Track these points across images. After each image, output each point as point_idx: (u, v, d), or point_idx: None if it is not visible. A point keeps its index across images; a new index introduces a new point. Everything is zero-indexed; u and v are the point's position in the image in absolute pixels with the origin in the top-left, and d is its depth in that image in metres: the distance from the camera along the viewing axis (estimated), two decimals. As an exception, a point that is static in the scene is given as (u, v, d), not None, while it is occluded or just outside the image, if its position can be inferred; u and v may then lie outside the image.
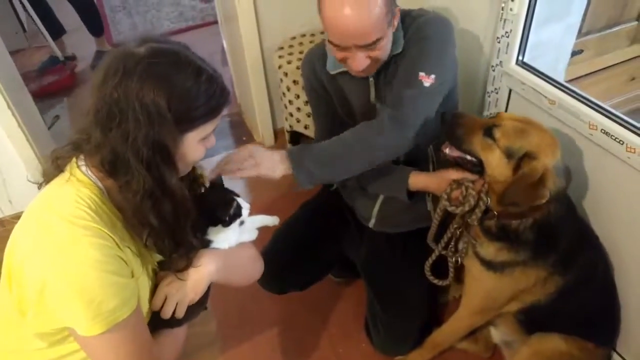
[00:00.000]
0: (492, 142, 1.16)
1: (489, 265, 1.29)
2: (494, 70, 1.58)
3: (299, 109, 2.18)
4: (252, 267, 1.22)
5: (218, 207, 1.06)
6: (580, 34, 1.93)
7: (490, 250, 1.28)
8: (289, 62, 2.11)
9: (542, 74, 1.46)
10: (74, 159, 0.91)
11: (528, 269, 1.26)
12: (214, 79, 0.90)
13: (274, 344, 1.73)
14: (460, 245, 1.36)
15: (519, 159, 1.14)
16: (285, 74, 2.11)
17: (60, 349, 0.93)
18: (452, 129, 1.21)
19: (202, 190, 1.11)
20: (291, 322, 1.78)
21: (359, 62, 1.17)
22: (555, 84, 1.41)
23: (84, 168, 0.89)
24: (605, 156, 1.29)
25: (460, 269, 1.42)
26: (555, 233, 1.22)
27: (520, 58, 1.52)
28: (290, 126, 2.30)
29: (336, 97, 1.39)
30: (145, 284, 0.97)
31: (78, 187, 0.87)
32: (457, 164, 1.25)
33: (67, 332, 0.89)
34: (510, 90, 1.56)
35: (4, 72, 1.99)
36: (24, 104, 2.15)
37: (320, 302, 1.81)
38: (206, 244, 1.07)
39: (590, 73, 2.15)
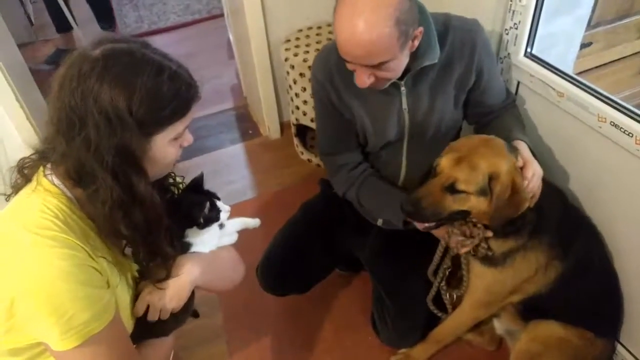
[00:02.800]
0: (462, 194, 1.16)
1: (489, 261, 1.29)
2: (502, 63, 1.57)
3: (305, 102, 2.17)
4: (234, 271, 1.20)
5: (193, 208, 1.04)
6: (589, 26, 1.90)
7: (492, 247, 1.28)
8: (295, 55, 2.10)
9: (551, 66, 1.44)
10: (40, 168, 0.88)
11: (528, 253, 1.27)
12: (177, 75, 0.85)
13: (280, 337, 1.74)
14: (464, 279, 1.37)
15: (488, 187, 1.15)
16: (292, 67, 2.10)
17: None
18: (420, 214, 1.20)
19: (180, 192, 1.10)
20: (297, 315, 1.79)
21: (361, 79, 1.14)
22: (564, 76, 1.40)
23: (51, 177, 0.86)
24: (614, 149, 1.28)
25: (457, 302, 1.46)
26: (543, 211, 1.23)
27: (528, 50, 1.51)
28: (297, 119, 2.30)
29: (363, 109, 1.33)
30: (124, 293, 0.94)
31: (45, 197, 0.83)
32: (446, 223, 1.25)
33: (43, 347, 0.85)
34: (518, 83, 1.55)
35: (12, 65, 2.00)
36: (32, 97, 2.16)
37: (326, 295, 1.82)
38: (186, 247, 1.06)
39: (599, 66, 2.13)
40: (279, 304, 1.80)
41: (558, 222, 1.28)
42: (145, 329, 1.00)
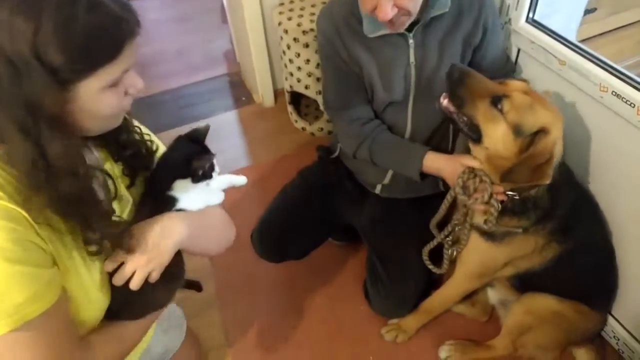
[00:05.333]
0: (498, 113, 1.09)
1: (488, 235, 1.27)
2: (502, 29, 1.51)
3: (299, 68, 2.11)
4: (225, 233, 1.10)
5: (194, 158, 0.91)
6: (594, -10, 1.84)
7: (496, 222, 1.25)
8: (289, 19, 2.03)
9: (553, 32, 1.39)
10: None
11: (529, 236, 1.25)
12: (98, 5, 0.67)
13: (274, 305, 1.74)
14: (462, 238, 1.32)
15: (532, 135, 1.08)
16: (285, 31, 2.03)
17: None
18: (456, 86, 1.14)
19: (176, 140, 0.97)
20: (291, 284, 1.79)
21: (385, 10, 1.12)
22: (566, 44, 1.35)
23: None
24: (615, 119, 1.24)
25: (454, 260, 1.42)
26: (556, 200, 1.19)
27: (530, 16, 1.45)
28: (291, 86, 2.24)
29: (372, 61, 1.31)
30: (84, 265, 0.81)
31: None
32: (451, 119, 1.18)
33: None
34: (519, 50, 1.50)
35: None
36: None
37: (320, 265, 1.81)
38: (172, 202, 0.93)
39: (604, 33, 2.07)
40: (273, 273, 1.80)
41: (567, 210, 1.23)
42: (139, 304, 0.91)
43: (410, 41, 1.27)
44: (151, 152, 0.98)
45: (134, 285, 0.85)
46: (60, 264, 0.76)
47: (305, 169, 1.67)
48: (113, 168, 0.91)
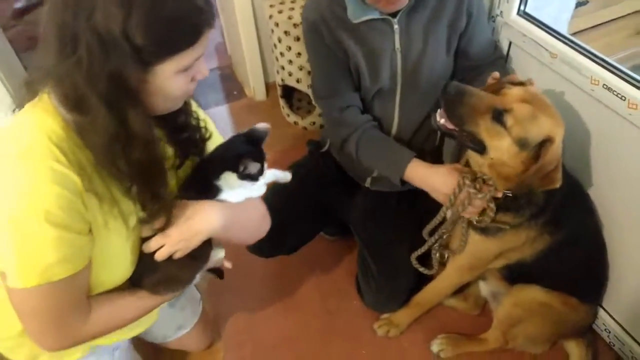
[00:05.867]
0: (502, 129, 1.06)
1: (480, 229, 1.26)
2: (494, 22, 1.50)
3: (290, 62, 2.09)
4: (258, 228, 1.16)
5: (246, 156, 0.96)
6: (586, -17, 1.84)
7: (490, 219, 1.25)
8: (280, 12, 2.01)
9: (545, 25, 1.38)
10: (47, 85, 0.81)
11: (521, 230, 1.25)
12: None
13: (266, 300, 1.73)
14: (459, 241, 1.32)
15: (537, 146, 1.06)
16: (277, 25, 2.01)
17: None
18: (453, 105, 1.09)
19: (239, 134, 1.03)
20: (283, 278, 1.78)
21: None
22: (557, 36, 1.34)
23: (52, 95, 0.79)
24: (606, 112, 1.24)
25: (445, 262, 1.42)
26: (549, 195, 1.19)
27: (522, 8, 1.44)
28: (282, 80, 2.23)
29: (357, 48, 1.30)
30: (118, 234, 0.88)
31: (41, 116, 0.78)
32: (449, 135, 1.15)
33: None
34: (510, 43, 1.49)
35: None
36: (3, 52, 2.07)
37: (312, 259, 1.81)
38: (216, 191, 0.98)
39: (595, 26, 2.06)
40: (265, 267, 1.79)
41: (559, 204, 1.22)
42: (154, 272, 0.95)
43: (395, 27, 1.26)
44: (204, 139, 1.04)
45: (159, 256, 0.92)
46: (94, 231, 0.83)
47: (295, 163, 1.66)
48: (165, 148, 0.96)
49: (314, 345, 1.60)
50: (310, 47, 1.38)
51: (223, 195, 0.99)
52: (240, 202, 1.02)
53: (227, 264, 1.21)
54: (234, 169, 0.97)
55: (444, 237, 1.33)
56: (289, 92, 2.37)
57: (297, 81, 2.15)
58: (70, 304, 0.86)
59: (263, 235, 1.18)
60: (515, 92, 1.09)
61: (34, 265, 0.77)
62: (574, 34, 1.69)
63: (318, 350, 1.59)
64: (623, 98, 1.17)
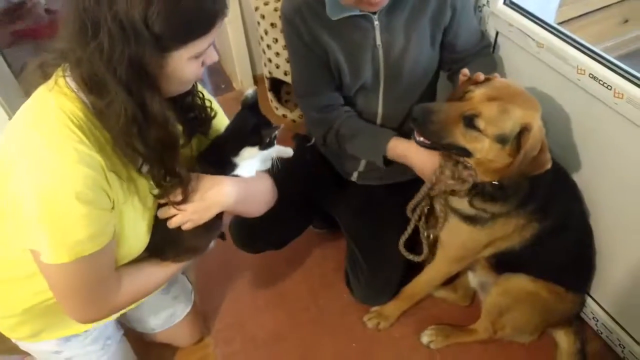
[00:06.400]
0: (477, 133, 1.08)
1: (470, 219, 1.26)
2: (480, 12, 1.49)
3: (277, 54, 2.07)
4: (265, 201, 1.22)
5: (263, 127, 1.02)
6: (574, -29, 1.82)
7: (476, 205, 1.24)
8: (265, 4, 1.98)
9: (531, 14, 1.37)
10: (60, 67, 0.85)
11: (510, 218, 1.25)
12: None
13: (255, 295, 1.73)
14: (439, 216, 1.32)
15: (517, 137, 1.07)
16: (263, 17, 1.98)
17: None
18: (425, 126, 1.12)
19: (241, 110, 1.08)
20: (272, 273, 1.78)
21: None
22: (544, 26, 1.33)
23: (68, 79, 0.83)
24: (592, 102, 1.24)
25: (434, 244, 1.41)
26: (535, 182, 1.19)
27: (509, -3, 1.43)
28: (270, 72, 2.20)
29: (337, 45, 1.28)
30: (134, 211, 0.94)
31: (60, 99, 0.82)
32: (435, 149, 1.17)
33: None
34: (497, 33, 1.47)
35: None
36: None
37: (300, 253, 1.80)
38: (231, 167, 1.05)
39: (583, 14, 2.06)
40: (254, 262, 1.78)
41: (547, 191, 1.23)
42: (171, 241, 1.03)
43: (376, 23, 1.24)
44: (209, 118, 1.10)
45: (172, 224, 0.99)
46: (117, 207, 0.89)
47: (282, 158, 1.64)
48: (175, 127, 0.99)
49: (304, 339, 1.60)
50: (288, 44, 1.36)
51: (238, 171, 1.06)
52: (251, 176, 1.09)
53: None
54: (254, 143, 1.02)
55: (426, 211, 1.33)
56: (277, 85, 2.34)
57: (285, 74, 2.12)
58: (101, 276, 0.92)
59: (270, 206, 1.23)
60: (478, 93, 1.10)
61: (66, 241, 0.82)
62: (562, 22, 1.69)
63: (308, 344, 1.58)
64: (609, 87, 1.16)
